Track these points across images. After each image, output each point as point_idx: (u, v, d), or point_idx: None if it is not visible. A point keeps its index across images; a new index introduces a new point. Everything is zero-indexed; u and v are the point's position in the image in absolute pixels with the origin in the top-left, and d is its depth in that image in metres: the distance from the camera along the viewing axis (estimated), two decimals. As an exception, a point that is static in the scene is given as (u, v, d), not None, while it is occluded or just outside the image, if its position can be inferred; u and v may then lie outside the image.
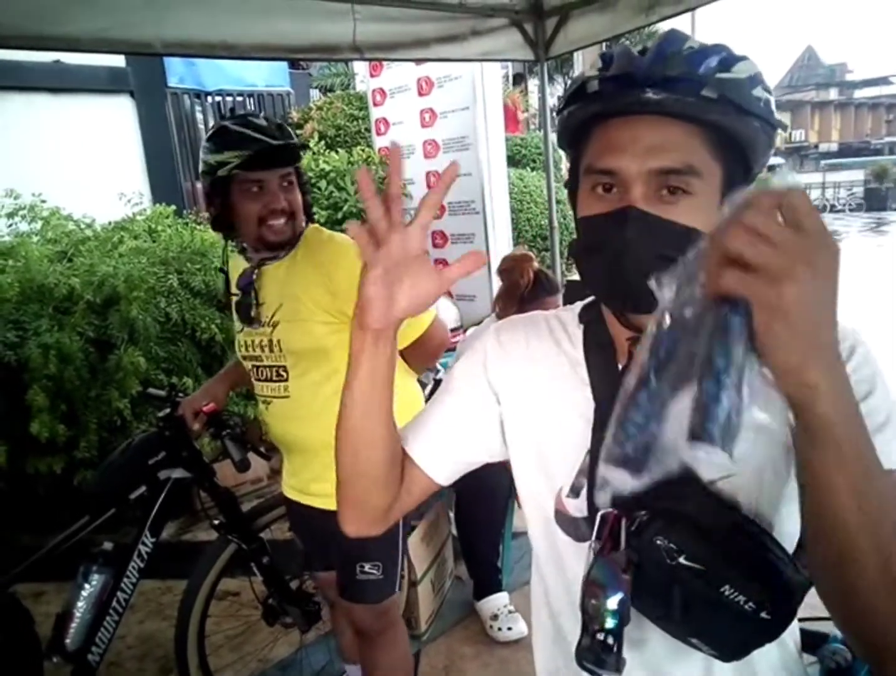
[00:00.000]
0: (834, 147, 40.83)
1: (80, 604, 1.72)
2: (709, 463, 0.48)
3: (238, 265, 1.65)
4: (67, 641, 1.70)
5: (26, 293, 3.01)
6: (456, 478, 0.85)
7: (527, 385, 0.81)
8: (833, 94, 47.04)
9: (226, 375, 1.93)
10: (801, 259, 0.46)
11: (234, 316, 1.67)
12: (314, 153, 5.26)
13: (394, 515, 0.83)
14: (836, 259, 0.48)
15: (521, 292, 2.37)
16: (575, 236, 0.75)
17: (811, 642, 0.98)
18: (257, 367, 1.63)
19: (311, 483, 1.62)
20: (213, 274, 3.38)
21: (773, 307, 0.46)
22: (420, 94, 4.81)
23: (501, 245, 4.69)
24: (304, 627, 2.04)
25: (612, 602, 0.64)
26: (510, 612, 2.39)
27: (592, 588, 0.66)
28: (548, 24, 3.05)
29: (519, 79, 10.41)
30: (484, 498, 2.37)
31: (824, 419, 0.50)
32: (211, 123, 6.67)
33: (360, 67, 6.85)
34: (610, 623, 0.64)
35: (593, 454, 0.73)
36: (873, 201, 25.30)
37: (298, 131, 6.21)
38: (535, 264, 2.43)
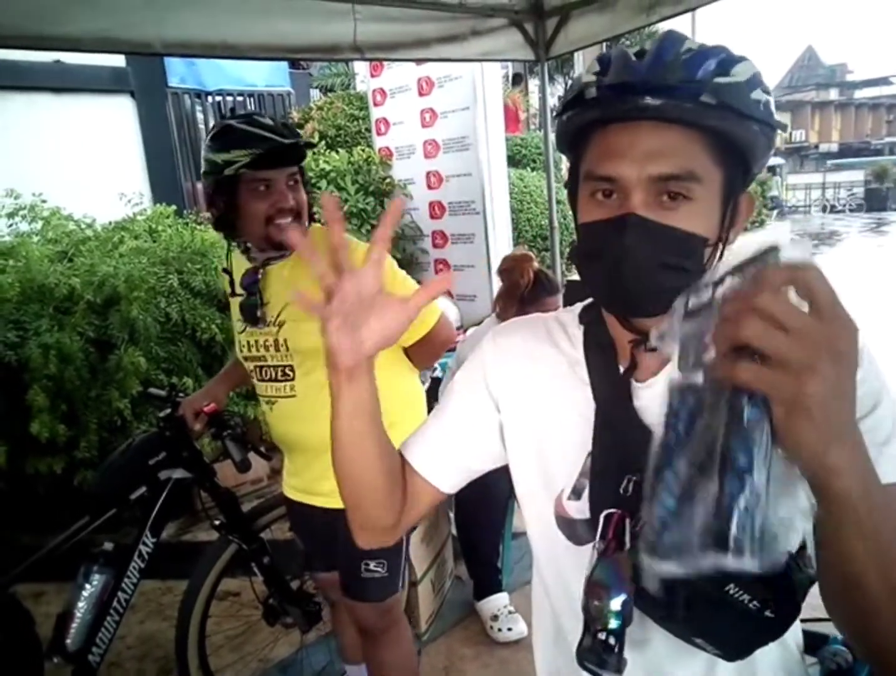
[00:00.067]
0: (834, 147, 40.76)
1: (80, 605, 1.72)
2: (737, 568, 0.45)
3: (240, 265, 1.63)
4: (68, 641, 1.70)
5: (27, 293, 3.01)
6: (462, 486, 0.86)
7: (526, 384, 0.81)
8: (833, 94, 46.94)
9: (226, 375, 1.93)
10: (822, 349, 0.44)
11: (235, 316, 1.66)
12: (314, 153, 5.26)
13: (404, 527, 0.85)
14: (855, 340, 0.46)
15: (522, 292, 2.37)
16: (575, 237, 0.75)
17: (812, 643, 0.98)
18: (261, 368, 1.62)
19: (314, 482, 1.61)
20: (214, 274, 3.38)
21: (794, 402, 0.44)
22: (420, 94, 4.81)
23: (501, 245, 4.70)
24: (304, 627, 2.04)
25: (616, 603, 0.64)
26: (510, 612, 2.39)
27: (596, 588, 0.66)
28: (548, 24, 3.05)
29: (519, 79, 10.40)
30: (484, 499, 2.36)
31: (844, 494, 0.48)
32: (211, 123, 6.67)
33: (361, 67, 6.85)
34: (613, 623, 0.64)
35: (594, 455, 0.73)
36: (873, 201, 25.34)
37: (299, 131, 6.20)
38: (536, 264, 2.43)
